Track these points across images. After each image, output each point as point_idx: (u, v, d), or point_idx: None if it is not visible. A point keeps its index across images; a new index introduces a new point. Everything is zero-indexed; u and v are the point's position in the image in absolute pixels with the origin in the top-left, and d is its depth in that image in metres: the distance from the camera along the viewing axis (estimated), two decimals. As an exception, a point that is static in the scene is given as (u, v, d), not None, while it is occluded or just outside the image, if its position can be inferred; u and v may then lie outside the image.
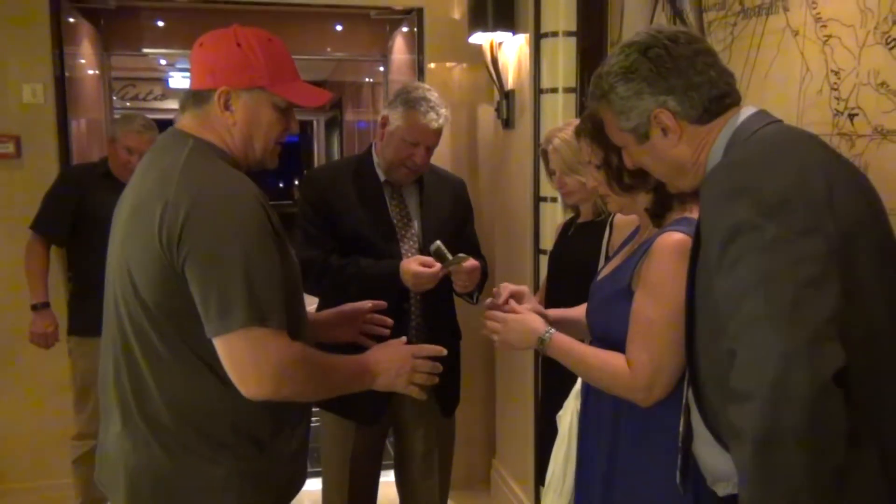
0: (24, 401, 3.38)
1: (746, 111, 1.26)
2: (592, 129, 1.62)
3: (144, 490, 1.46)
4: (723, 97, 1.26)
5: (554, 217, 2.95)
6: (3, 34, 3.17)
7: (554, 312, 1.94)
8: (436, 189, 2.47)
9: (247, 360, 1.38)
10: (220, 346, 1.38)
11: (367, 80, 6.52)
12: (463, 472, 3.73)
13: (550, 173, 2.38)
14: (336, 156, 9.25)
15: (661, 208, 1.59)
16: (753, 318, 1.02)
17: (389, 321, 1.90)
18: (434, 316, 2.40)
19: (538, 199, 3.01)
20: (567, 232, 2.47)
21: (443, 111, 2.31)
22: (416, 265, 2.20)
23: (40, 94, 3.22)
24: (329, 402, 2.42)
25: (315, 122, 10.24)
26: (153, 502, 1.46)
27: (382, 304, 1.90)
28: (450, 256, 2.24)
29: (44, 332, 3.06)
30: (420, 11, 3.60)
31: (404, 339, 1.68)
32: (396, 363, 1.60)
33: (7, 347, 3.33)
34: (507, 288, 1.87)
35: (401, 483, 2.59)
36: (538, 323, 1.72)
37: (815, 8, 1.77)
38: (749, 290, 1.04)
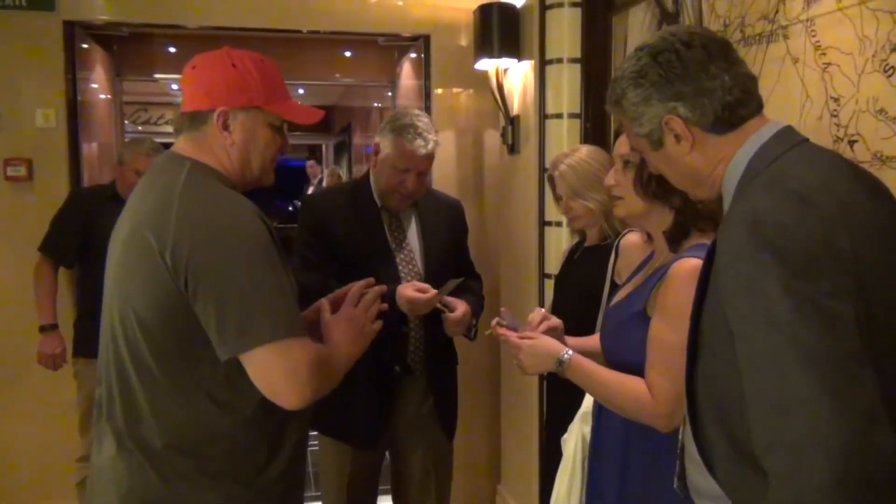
0: (29, 422, 3.39)
1: (770, 129, 1.20)
2: None
3: None
4: (737, 105, 1.19)
5: (559, 241, 2.96)
6: (17, 60, 3.22)
7: (572, 342, 1.92)
8: (433, 212, 2.47)
9: (281, 371, 1.38)
10: (250, 362, 1.37)
11: (375, 104, 6.59)
12: (467, 497, 3.72)
13: (557, 198, 2.40)
14: (345, 180, 9.31)
15: (680, 234, 1.59)
16: (803, 395, 0.95)
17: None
18: (433, 339, 2.40)
19: (543, 223, 3.02)
20: (573, 256, 2.48)
21: (431, 136, 2.29)
22: (411, 291, 2.19)
23: (52, 118, 3.26)
24: (326, 426, 2.42)
25: (324, 147, 10.33)
26: None
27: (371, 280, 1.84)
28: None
29: (52, 354, 3.07)
30: (427, 38, 3.65)
31: (326, 305, 1.68)
32: (350, 330, 1.61)
33: (15, 369, 3.35)
34: (539, 314, 1.87)
35: None
36: (555, 345, 1.71)
37: (814, 36, 1.79)
38: (792, 363, 0.96)
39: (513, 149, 3.26)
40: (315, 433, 2.44)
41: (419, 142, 2.25)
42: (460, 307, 2.29)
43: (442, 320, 2.30)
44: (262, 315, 1.35)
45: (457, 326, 2.31)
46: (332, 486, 2.46)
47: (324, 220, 2.36)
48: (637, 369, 1.58)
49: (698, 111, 1.19)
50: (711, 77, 1.19)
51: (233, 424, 1.44)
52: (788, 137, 1.19)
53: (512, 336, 1.78)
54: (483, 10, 3.13)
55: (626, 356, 1.64)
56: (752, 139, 1.19)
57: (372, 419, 2.36)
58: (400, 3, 3.60)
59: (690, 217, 1.58)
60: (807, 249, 1.00)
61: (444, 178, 3.66)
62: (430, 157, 2.32)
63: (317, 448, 2.50)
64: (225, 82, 1.48)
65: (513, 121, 3.22)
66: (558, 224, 2.95)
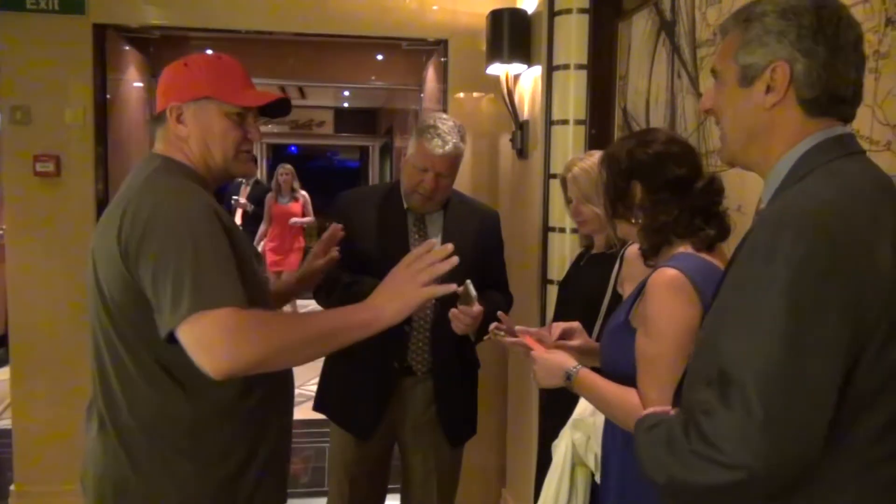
0: (55, 408, 3.52)
1: (835, 130, 1.16)
2: (605, 154, 1.70)
3: (107, 496, 1.51)
4: (840, 101, 1.16)
5: (562, 247, 2.96)
6: (48, 60, 3.36)
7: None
8: (460, 219, 2.47)
9: (201, 342, 1.37)
10: (180, 338, 1.39)
11: (413, 107, 6.65)
12: (474, 500, 3.73)
13: (567, 201, 2.40)
14: (389, 178, 9.46)
15: (648, 249, 1.62)
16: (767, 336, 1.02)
17: None
18: (440, 343, 2.36)
19: (547, 228, 3.02)
20: (579, 262, 2.47)
21: (451, 139, 2.30)
22: None
23: (81, 116, 3.40)
24: (330, 412, 2.48)
25: (371, 148, 10.49)
26: None
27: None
28: (473, 294, 2.12)
29: None
30: (445, 43, 3.67)
31: None
32: (391, 282, 1.51)
33: (41, 357, 3.49)
34: (557, 327, 1.91)
35: None
36: (565, 360, 1.73)
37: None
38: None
39: (522, 154, 3.26)
40: (322, 418, 2.53)
41: (437, 141, 2.29)
42: (477, 308, 2.19)
43: (454, 314, 2.18)
44: (188, 290, 1.37)
45: (464, 324, 2.20)
46: (335, 474, 2.51)
47: (349, 216, 2.35)
48: (624, 377, 1.60)
49: (811, 78, 1.14)
50: (846, 63, 1.14)
51: (196, 405, 1.48)
52: (845, 144, 1.16)
53: (538, 347, 1.81)
54: (494, 16, 3.15)
55: (615, 362, 1.67)
56: (817, 135, 1.16)
57: (369, 411, 2.39)
58: (420, 8, 3.63)
59: (652, 231, 1.60)
60: (829, 237, 1.01)
61: (459, 181, 3.66)
62: (448, 159, 2.32)
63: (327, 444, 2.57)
64: (175, 81, 1.59)
65: (522, 126, 3.23)
66: (562, 230, 2.95)
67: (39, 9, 3.31)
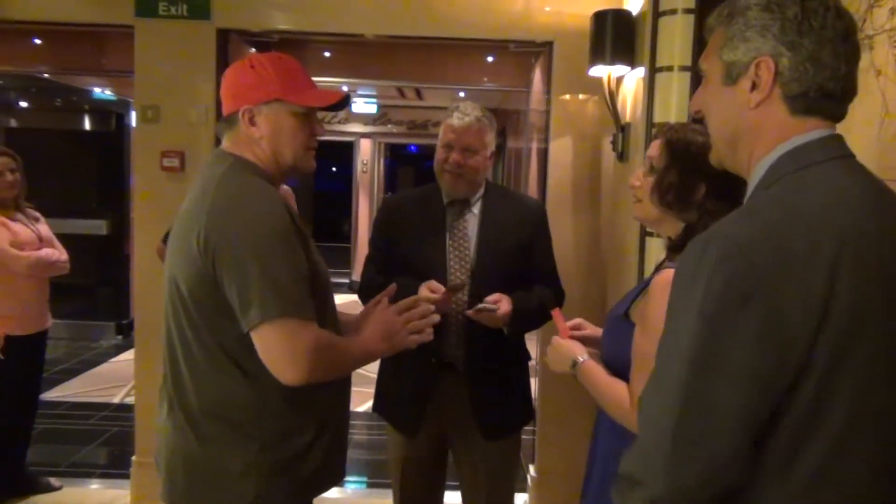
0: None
1: (815, 133, 1.09)
2: (675, 137, 1.68)
3: (178, 470, 1.65)
4: (829, 96, 1.08)
5: (660, 252, 2.90)
6: (177, 62, 3.62)
7: None
8: (499, 211, 2.48)
9: (282, 348, 1.51)
10: (258, 337, 1.52)
11: (523, 109, 6.67)
12: (555, 501, 3.74)
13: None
14: (500, 179, 9.50)
15: (683, 245, 1.59)
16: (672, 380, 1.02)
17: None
18: (478, 337, 2.35)
19: (645, 233, 2.97)
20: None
21: (472, 112, 2.39)
22: (425, 290, 2.22)
23: (204, 116, 3.63)
24: (382, 410, 2.55)
25: (485, 149, 10.56)
26: (185, 482, 1.64)
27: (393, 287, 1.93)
28: (490, 308, 2.25)
29: None
30: (551, 45, 3.67)
31: (385, 300, 1.81)
32: (385, 328, 1.72)
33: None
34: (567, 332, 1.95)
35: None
36: (575, 349, 1.77)
37: None
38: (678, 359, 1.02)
39: (622, 157, 3.23)
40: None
41: (457, 115, 2.39)
42: (504, 306, 2.27)
43: (482, 310, 2.26)
44: (272, 295, 1.49)
45: (492, 321, 2.28)
46: (392, 469, 2.58)
47: (391, 217, 2.49)
48: (619, 368, 1.64)
49: (797, 73, 1.08)
50: (835, 55, 1.08)
51: (259, 392, 1.58)
52: (826, 149, 1.09)
53: (562, 333, 1.88)
54: (598, 17, 3.12)
55: (609, 356, 1.72)
56: (795, 138, 1.10)
57: (409, 407, 2.44)
58: (526, 9, 3.65)
59: (699, 231, 1.57)
60: (754, 262, 0.97)
61: (560, 182, 3.69)
62: (469, 131, 2.37)
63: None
64: (245, 83, 1.66)
65: (623, 128, 3.19)
66: (659, 236, 2.89)
67: (170, 15, 3.57)
